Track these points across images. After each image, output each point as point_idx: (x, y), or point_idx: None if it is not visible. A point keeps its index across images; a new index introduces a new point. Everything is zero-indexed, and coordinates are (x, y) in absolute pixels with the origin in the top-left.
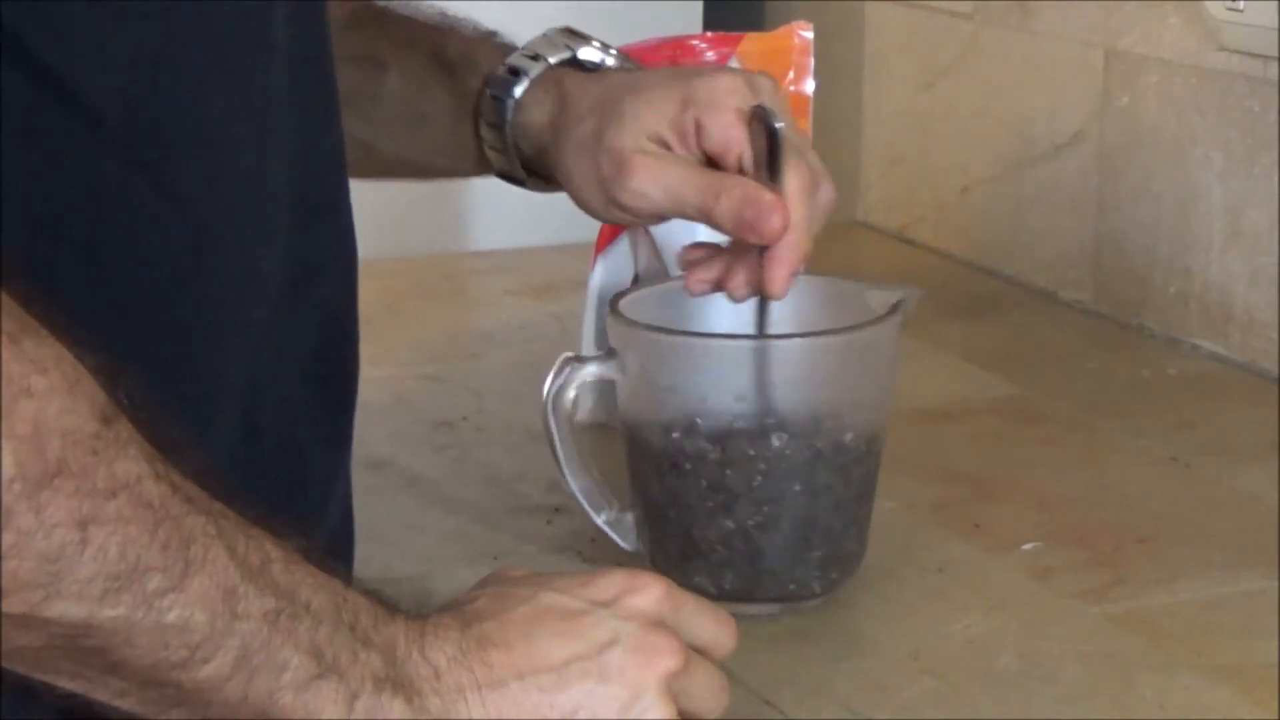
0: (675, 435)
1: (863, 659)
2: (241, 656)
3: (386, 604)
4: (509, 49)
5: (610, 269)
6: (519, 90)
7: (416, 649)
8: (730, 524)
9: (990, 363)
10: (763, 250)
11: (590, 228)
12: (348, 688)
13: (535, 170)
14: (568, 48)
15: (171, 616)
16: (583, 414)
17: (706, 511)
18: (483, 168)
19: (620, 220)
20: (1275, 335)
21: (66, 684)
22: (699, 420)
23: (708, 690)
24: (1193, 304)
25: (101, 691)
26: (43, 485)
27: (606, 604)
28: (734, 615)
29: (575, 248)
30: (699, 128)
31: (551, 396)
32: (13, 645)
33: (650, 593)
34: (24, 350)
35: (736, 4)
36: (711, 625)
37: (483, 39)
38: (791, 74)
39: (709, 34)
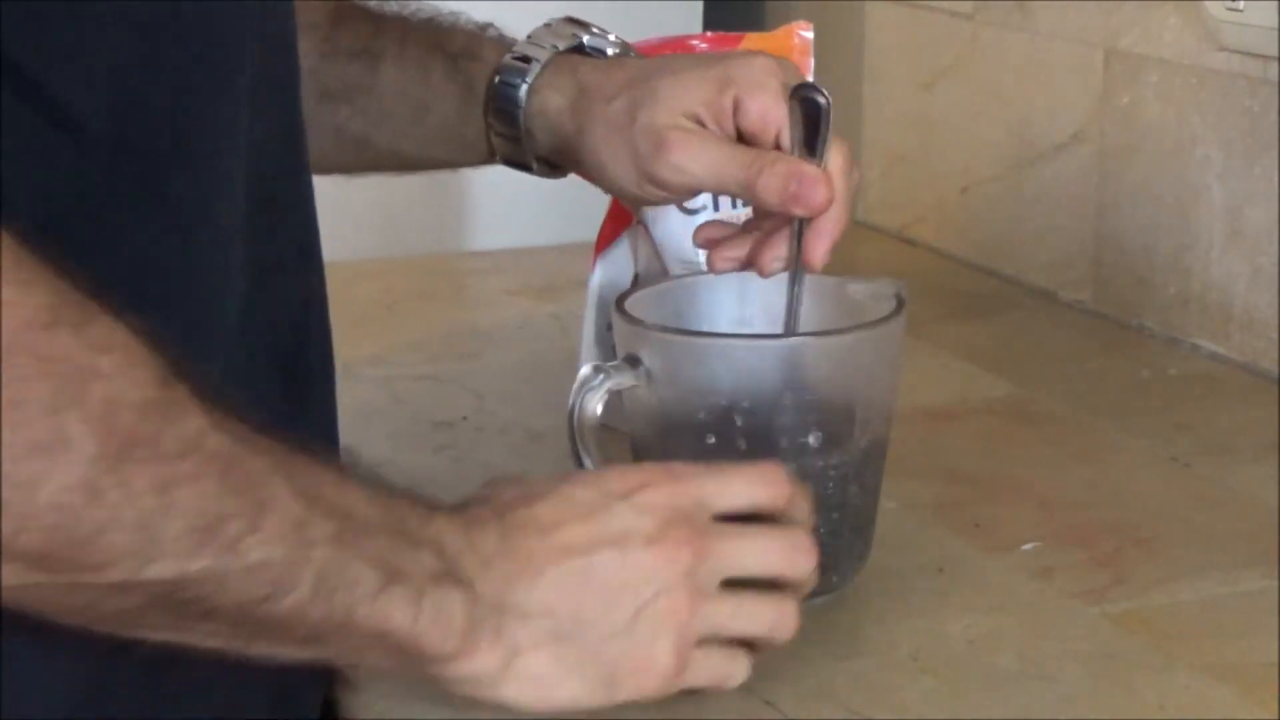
0: (706, 436)
1: (863, 659)
2: (317, 581)
3: (424, 501)
4: (509, 40)
5: (610, 269)
6: (531, 76)
7: (465, 543)
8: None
9: (990, 363)
10: (799, 225)
11: (590, 228)
12: (413, 589)
13: (545, 158)
14: (574, 35)
15: (253, 557)
16: None
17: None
18: (486, 159)
19: (653, 197)
20: (1275, 335)
21: (158, 636)
22: (736, 419)
23: (757, 610)
24: (1193, 304)
25: (191, 637)
26: (124, 459)
27: (622, 496)
28: None
29: (575, 248)
30: (737, 106)
31: (578, 407)
32: (112, 609)
33: (661, 485)
34: (88, 336)
35: (736, 4)
36: (745, 496)
37: (481, 31)
38: None
39: (709, 34)
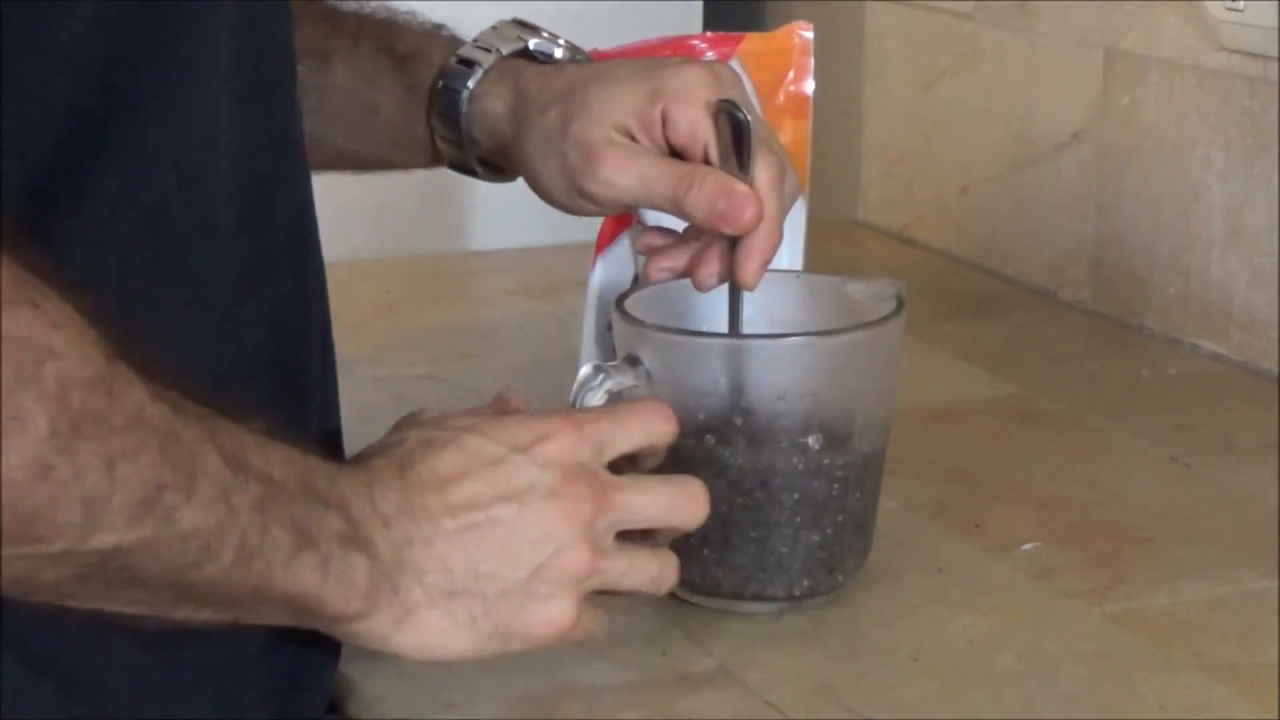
0: (705, 436)
1: (863, 659)
2: (240, 546)
3: (331, 459)
4: (458, 42)
5: (610, 269)
6: (473, 81)
7: (367, 502)
8: (746, 523)
9: (990, 363)
10: (732, 241)
11: (590, 228)
12: (320, 554)
13: (489, 161)
14: (519, 39)
15: (185, 525)
16: None
17: (726, 512)
18: (434, 160)
19: (583, 211)
20: (1275, 335)
21: (84, 605)
22: (736, 420)
23: (648, 565)
24: (1193, 304)
25: (117, 603)
26: (74, 435)
27: (523, 449)
28: (735, 614)
29: (575, 248)
30: (666, 119)
31: (578, 407)
32: (47, 580)
33: (563, 438)
34: (45, 312)
35: (736, 4)
36: (642, 434)
37: (432, 32)
38: (791, 74)
39: (709, 34)
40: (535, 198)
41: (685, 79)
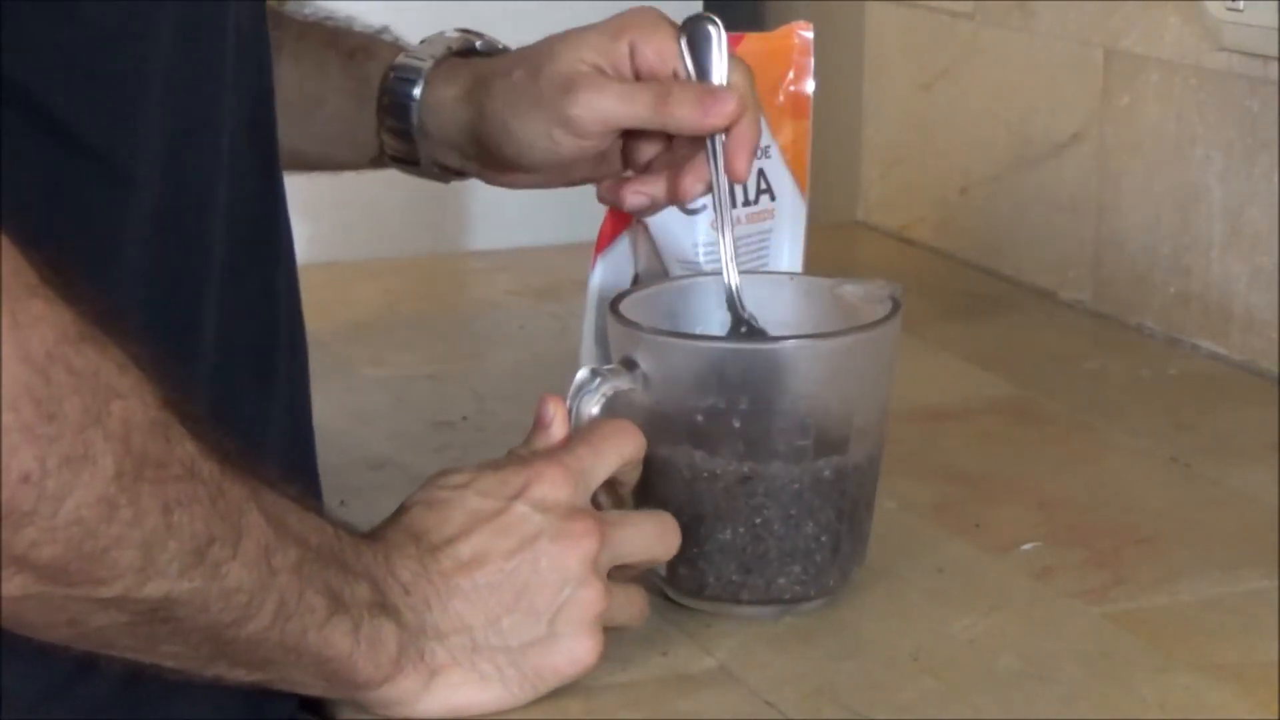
0: (702, 439)
1: (863, 659)
2: (279, 607)
3: (354, 531)
4: (404, 43)
5: (610, 269)
6: (425, 71)
7: (388, 572)
8: (743, 526)
9: (990, 363)
10: (715, 146)
11: (590, 228)
12: (352, 619)
13: (437, 159)
14: (466, 39)
15: (231, 581)
16: None
17: (723, 514)
18: (378, 158)
19: (565, 146)
20: (1275, 335)
21: (125, 654)
22: (734, 423)
23: (635, 598)
24: (1193, 304)
25: (155, 656)
26: (137, 478)
27: (518, 496)
28: (734, 617)
29: (575, 248)
30: (634, 51)
31: (575, 411)
32: (96, 626)
33: (550, 478)
34: (111, 354)
35: (736, 4)
36: (617, 455)
37: (377, 32)
38: (791, 74)
39: None
40: (535, 198)
41: (645, 15)
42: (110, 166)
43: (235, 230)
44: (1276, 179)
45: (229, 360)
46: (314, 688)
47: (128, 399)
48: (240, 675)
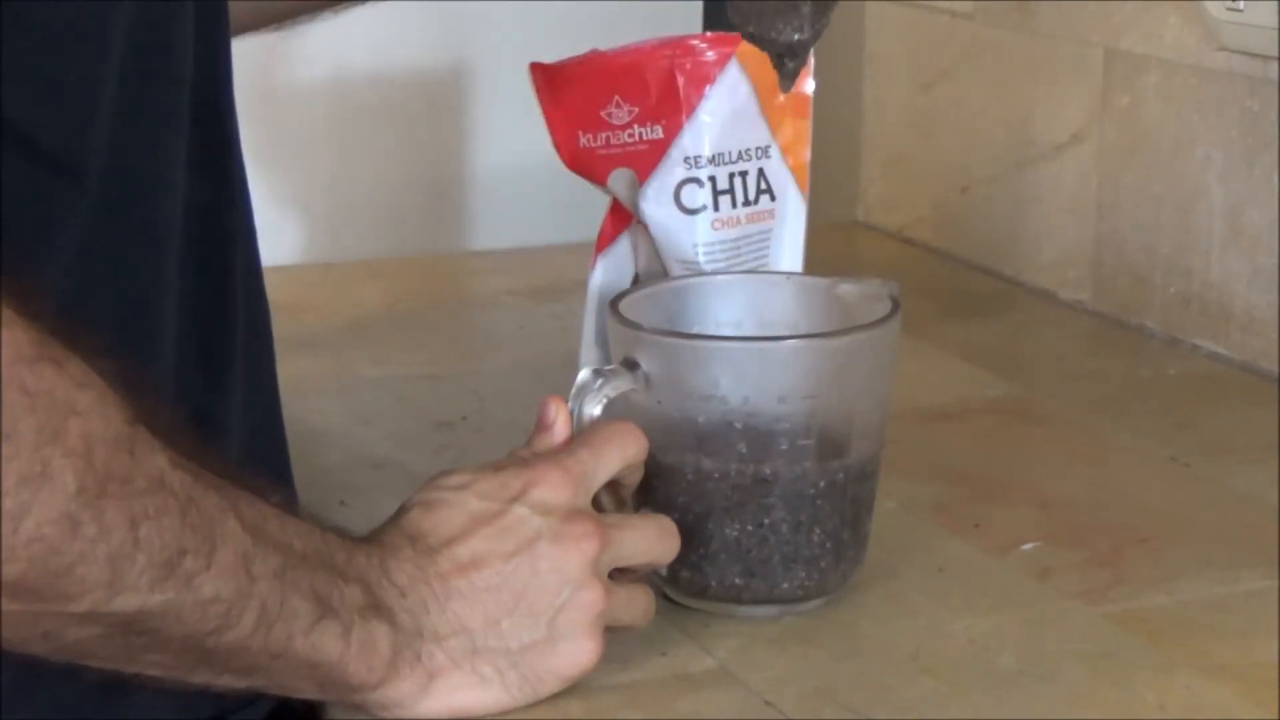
0: (704, 440)
1: (863, 659)
2: (261, 614)
3: (346, 535)
4: None
5: (610, 269)
6: None
7: (383, 574)
8: (749, 529)
9: (990, 363)
10: None
11: (590, 228)
12: (342, 623)
13: None
14: None
15: (206, 591)
16: None
17: (728, 517)
18: None
19: None
20: (1275, 335)
21: (106, 665)
22: (735, 423)
23: (639, 598)
24: (1193, 304)
25: (136, 665)
26: (100, 494)
27: (518, 498)
28: (734, 616)
29: (575, 248)
30: None
31: (576, 413)
32: (71, 639)
33: (550, 480)
34: (69, 371)
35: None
36: (619, 457)
37: None
38: None
39: (709, 34)
40: (535, 198)
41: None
42: (61, 168)
43: (190, 225)
44: (1276, 179)
45: (188, 350)
46: (308, 692)
47: (87, 416)
48: (228, 681)
